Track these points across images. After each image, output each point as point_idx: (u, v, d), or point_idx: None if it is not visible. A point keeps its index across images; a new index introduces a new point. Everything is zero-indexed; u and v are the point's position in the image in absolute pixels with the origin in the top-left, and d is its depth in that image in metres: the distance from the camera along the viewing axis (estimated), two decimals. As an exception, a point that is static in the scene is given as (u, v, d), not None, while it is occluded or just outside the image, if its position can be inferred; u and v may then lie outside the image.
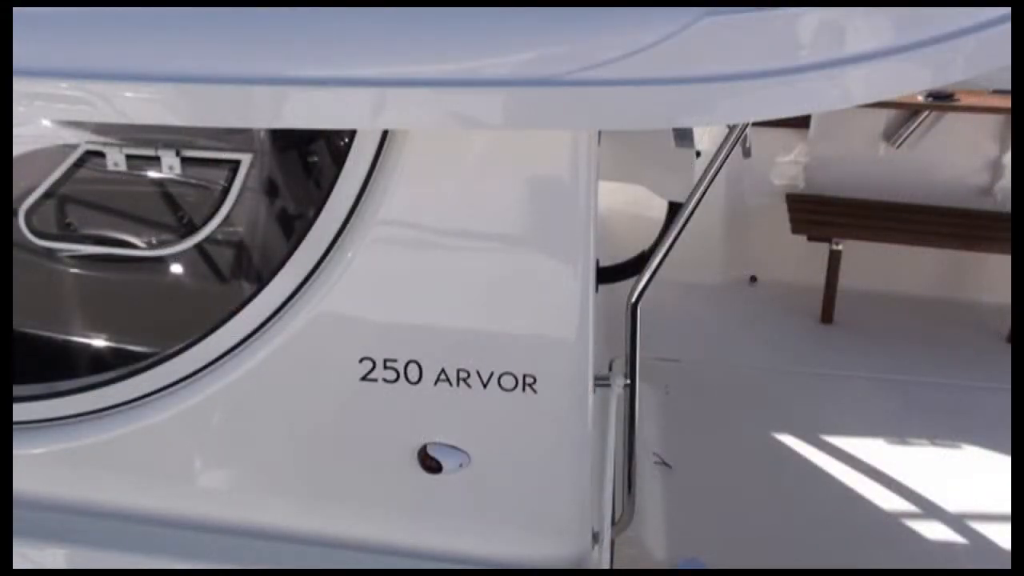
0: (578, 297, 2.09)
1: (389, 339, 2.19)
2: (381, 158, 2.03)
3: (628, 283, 2.41)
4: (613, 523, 2.62)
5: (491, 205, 2.03)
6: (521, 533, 2.38)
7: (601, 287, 2.75)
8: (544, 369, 2.14)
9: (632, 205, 4.88)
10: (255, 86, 1.76)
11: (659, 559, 3.48)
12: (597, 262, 3.75)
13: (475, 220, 2.05)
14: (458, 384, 2.18)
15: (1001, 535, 3.65)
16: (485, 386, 2.17)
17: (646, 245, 3.28)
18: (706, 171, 2.25)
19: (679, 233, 2.33)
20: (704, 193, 2.27)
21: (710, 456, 4.03)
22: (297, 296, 2.19)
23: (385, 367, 2.20)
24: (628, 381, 2.40)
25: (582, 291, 2.08)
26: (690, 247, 4.73)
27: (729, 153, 2.21)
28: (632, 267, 4.51)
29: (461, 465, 2.27)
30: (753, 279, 5.30)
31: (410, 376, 2.19)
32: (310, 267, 2.17)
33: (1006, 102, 4.72)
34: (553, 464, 2.27)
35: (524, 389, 2.15)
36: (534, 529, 2.37)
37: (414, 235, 2.10)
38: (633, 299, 2.34)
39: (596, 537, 2.39)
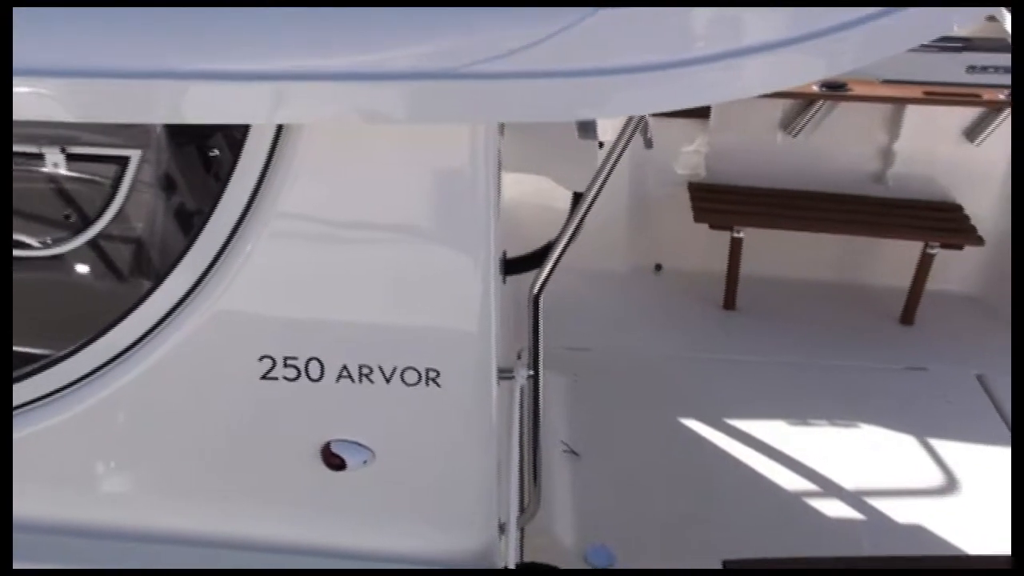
0: (480, 289, 2.08)
1: (289, 336, 2.16)
2: (277, 151, 2.00)
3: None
4: (521, 514, 2.63)
5: (390, 198, 2.02)
6: (427, 528, 2.38)
7: (510, 278, 2.76)
8: (447, 363, 2.14)
9: (538, 196, 4.89)
10: (145, 80, 1.71)
11: (568, 546, 3.51)
12: (504, 254, 3.76)
13: (374, 213, 2.04)
14: (361, 380, 2.16)
15: (900, 513, 3.76)
16: (388, 381, 2.16)
17: (553, 236, 3.30)
18: (604, 163, 2.26)
19: (579, 225, 2.34)
20: (603, 185, 2.28)
21: (618, 443, 4.08)
22: (193, 294, 2.15)
23: (286, 365, 2.17)
24: (532, 372, 2.41)
25: (484, 283, 2.08)
26: (596, 237, 4.78)
27: (626, 145, 2.23)
28: (539, 258, 4.50)
29: (365, 462, 2.25)
30: (658, 267, 5.37)
31: (311, 373, 2.17)
32: (206, 264, 2.12)
33: (895, 91, 4.86)
34: (458, 458, 2.27)
35: (428, 383, 2.14)
36: (440, 523, 2.36)
37: (313, 229, 2.07)
38: (535, 290, 2.35)
39: (503, 528, 2.40)
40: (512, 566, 2.32)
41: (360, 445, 2.24)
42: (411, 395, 2.17)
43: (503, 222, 4.36)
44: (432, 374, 2.13)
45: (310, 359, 2.16)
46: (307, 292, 2.12)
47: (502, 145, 3.94)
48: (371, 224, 2.05)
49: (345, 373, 2.17)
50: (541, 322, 2.37)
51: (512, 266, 3.65)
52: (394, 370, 2.15)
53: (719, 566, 2.36)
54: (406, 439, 2.25)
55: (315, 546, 2.43)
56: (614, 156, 2.23)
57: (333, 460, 2.25)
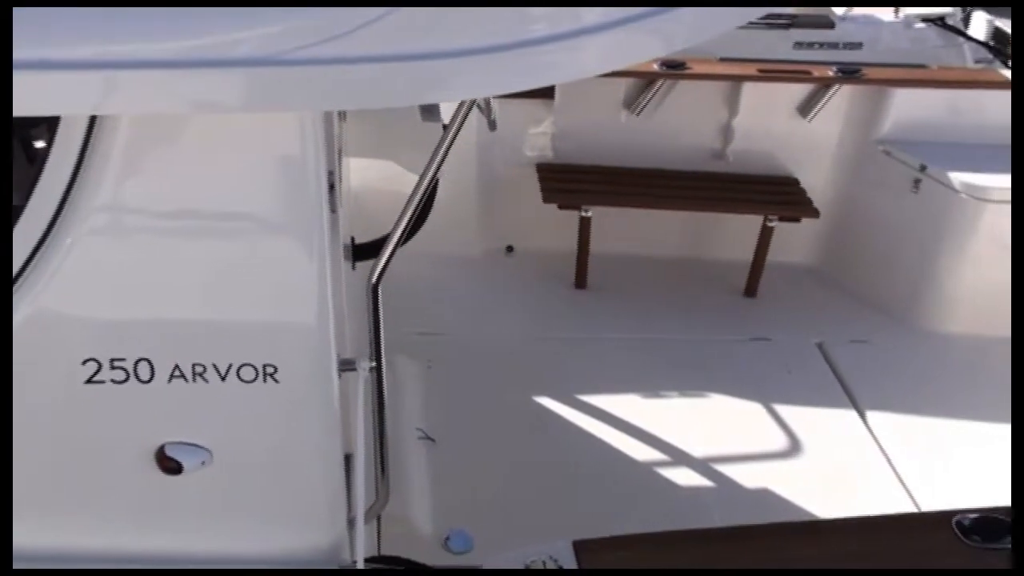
0: (315, 280, 2.02)
1: (115, 337, 2.04)
2: (92, 142, 1.89)
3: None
4: (371, 507, 2.58)
5: (217, 189, 1.93)
6: (273, 527, 2.30)
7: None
8: (285, 357, 2.06)
9: (388, 181, 4.83)
10: None
11: (426, 534, 3.48)
12: (352, 240, 3.68)
13: (200, 205, 1.95)
14: (194, 379, 2.07)
15: (749, 481, 3.87)
16: (223, 379, 2.07)
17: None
18: (438, 148, 2.22)
19: (420, 210, 2.30)
20: (437, 170, 2.25)
21: (474, 427, 4.06)
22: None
23: (112, 367, 2.06)
24: (374, 364, 2.36)
25: (319, 273, 2.02)
26: (447, 221, 4.77)
27: (459, 129, 2.19)
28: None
29: (203, 463, 2.16)
30: (509, 249, 5.37)
31: (141, 375, 2.06)
32: (21, 262, 1.99)
33: (731, 69, 4.98)
34: (301, 454, 2.20)
35: (265, 379, 2.06)
36: (286, 522, 2.30)
37: (135, 223, 1.96)
38: (373, 280, 2.30)
39: (352, 523, 2.34)
40: (362, 560, 2.27)
41: (197, 446, 2.15)
42: (249, 392, 2.08)
43: (352, 208, 4.27)
44: (270, 369, 2.06)
45: (139, 360, 2.05)
46: (133, 289, 2.01)
47: (345, 130, 3.86)
48: (197, 216, 1.96)
49: (178, 373, 2.07)
50: (381, 312, 2.32)
51: (362, 252, 3.57)
52: (229, 367, 2.06)
53: (569, 545, 2.36)
54: (246, 438, 2.17)
55: (160, 553, 2.32)
56: (447, 141, 2.19)
57: (168, 464, 2.15)
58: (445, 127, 3.71)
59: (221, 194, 1.93)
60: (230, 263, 1.99)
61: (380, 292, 2.31)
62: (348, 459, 2.39)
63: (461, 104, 2.17)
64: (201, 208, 1.95)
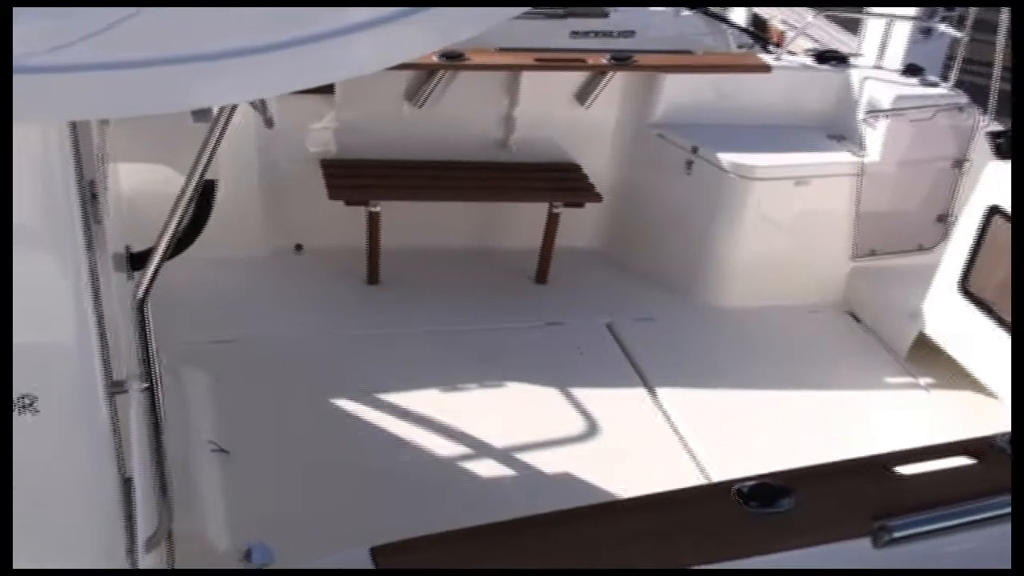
0: (73, 297, 1.88)
1: None
2: None
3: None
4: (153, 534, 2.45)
5: None
6: (52, 562, 2.15)
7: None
8: (44, 385, 1.91)
9: (164, 185, 4.59)
10: None
11: (223, 550, 3.36)
12: (128, 248, 3.49)
13: None
14: None
15: (551, 466, 3.93)
16: None
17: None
18: (201, 150, 2.12)
19: (184, 216, 2.18)
20: (204, 172, 2.14)
21: (269, 434, 3.95)
22: None
23: None
24: (146, 384, 2.23)
25: (77, 290, 1.88)
26: (230, 221, 4.61)
27: (223, 130, 2.10)
28: (168, 249, 4.24)
29: (-39, 505, 1.99)
30: (298, 248, 5.25)
31: None
32: None
33: (510, 58, 5.04)
34: (70, 487, 2.06)
35: (22, 412, 1.91)
36: (63, 556, 2.14)
37: None
38: (139, 295, 2.17)
39: (131, 552, 2.22)
40: None
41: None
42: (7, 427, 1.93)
43: (127, 216, 4.04)
44: (27, 401, 1.90)
45: None
46: None
47: (109, 135, 3.64)
48: None
49: None
50: (150, 328, 2.19)
51: (140, 260, 3.39)
52: None
53: (367, 552, 2.33)
54: (13, 475, 2.00)
55: None
56: (211, 143, 2.09)
57: None
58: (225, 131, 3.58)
59: None
60: None
61: (148, 307, 2.18)
62: (130, 483, 2.26)
63: (223, 107, 2.08)
64: None
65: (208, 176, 4.52)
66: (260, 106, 3.99)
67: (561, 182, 5.20)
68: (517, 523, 2.51)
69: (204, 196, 4.23)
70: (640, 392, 4.43)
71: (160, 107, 1.61)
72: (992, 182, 4.46)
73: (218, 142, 2.08)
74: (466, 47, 4.93)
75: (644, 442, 4.15)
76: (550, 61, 5.06)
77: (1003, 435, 2.87)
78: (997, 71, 4.99)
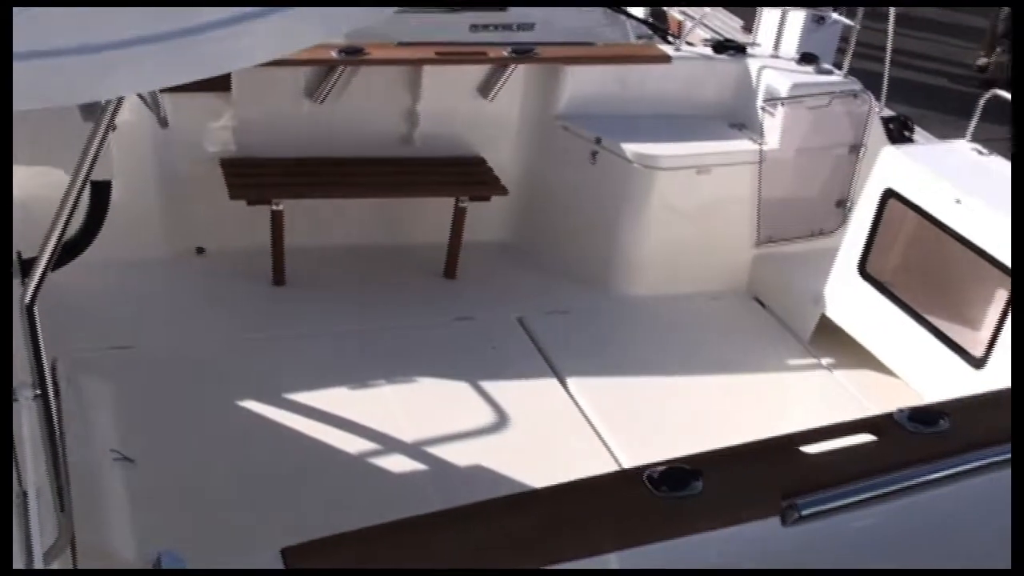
0: None
1: None
2: None
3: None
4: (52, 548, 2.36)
5: None
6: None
7: None
8: None
9: (54, 188, 4.44)
10: None
11: (130, 561, 3.26)
12: (19, 255, 3.35)
13: None
14: None
15: (464, 459, 3.92)
16: None
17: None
18: (85, 150, 2.04)
19: (69, 217, 2.10)
20: (88, 173, 2.07)
21: (175, 441, 3.86)
22: None
23: None
24: (38, 392, 2.15)
25: None
26: (126, 223, 4.47)
27: (107, 129, 2.03)
28: (67, 251, 4.09)
29: None
30: (200, 250, 5.12)
31: None
32: None
33: (410, 53, 4.99)
34: None
35: None
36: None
37: None
38: (27, 300, 2.08)
39: (30, 566, 2.13)
40: None
41: None
42: None
43: (18, 220, 3.89)
44: None
45: None
46: None
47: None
48: None
49: None
50: (40, 334, 2.11)
51: (31, 266, 3.26)
52: None
53: (278, 554, 2.28)
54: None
55: None
56: (95, 143, 2.02)
57: None
58: (114, 127, 3.46)
59: None
60: None
61: (36, 312, 2.10)
62: (25, 497, 2.18)
63: (108, 103, 2.01)
64: None
65: (103, 177, 4.39)
66: (152, 105, 3.88)
67: (466, 176, 5.18)
68: (431, 517, 2.49)
69: (98, 197, 4.10)
70: (552, 383, 4.44)
71: (42, 102, 1.55)
72: (887, 166, 4.58)
73: (103, 140, 2.01)
74: (366, 42, 4.86)
75: (556, 432, 4.16)
76: (451, 55, 5.04)
77: (900, 411, 2.96)
78: (888, 58, 5.14)
